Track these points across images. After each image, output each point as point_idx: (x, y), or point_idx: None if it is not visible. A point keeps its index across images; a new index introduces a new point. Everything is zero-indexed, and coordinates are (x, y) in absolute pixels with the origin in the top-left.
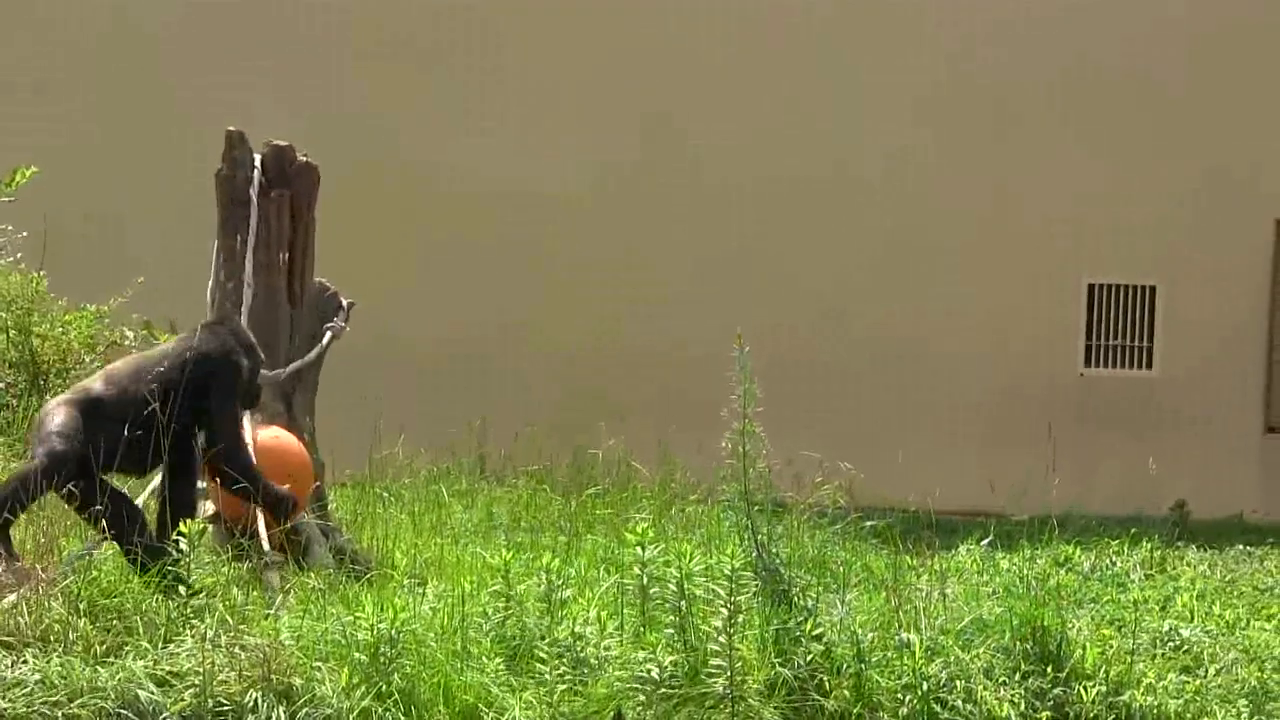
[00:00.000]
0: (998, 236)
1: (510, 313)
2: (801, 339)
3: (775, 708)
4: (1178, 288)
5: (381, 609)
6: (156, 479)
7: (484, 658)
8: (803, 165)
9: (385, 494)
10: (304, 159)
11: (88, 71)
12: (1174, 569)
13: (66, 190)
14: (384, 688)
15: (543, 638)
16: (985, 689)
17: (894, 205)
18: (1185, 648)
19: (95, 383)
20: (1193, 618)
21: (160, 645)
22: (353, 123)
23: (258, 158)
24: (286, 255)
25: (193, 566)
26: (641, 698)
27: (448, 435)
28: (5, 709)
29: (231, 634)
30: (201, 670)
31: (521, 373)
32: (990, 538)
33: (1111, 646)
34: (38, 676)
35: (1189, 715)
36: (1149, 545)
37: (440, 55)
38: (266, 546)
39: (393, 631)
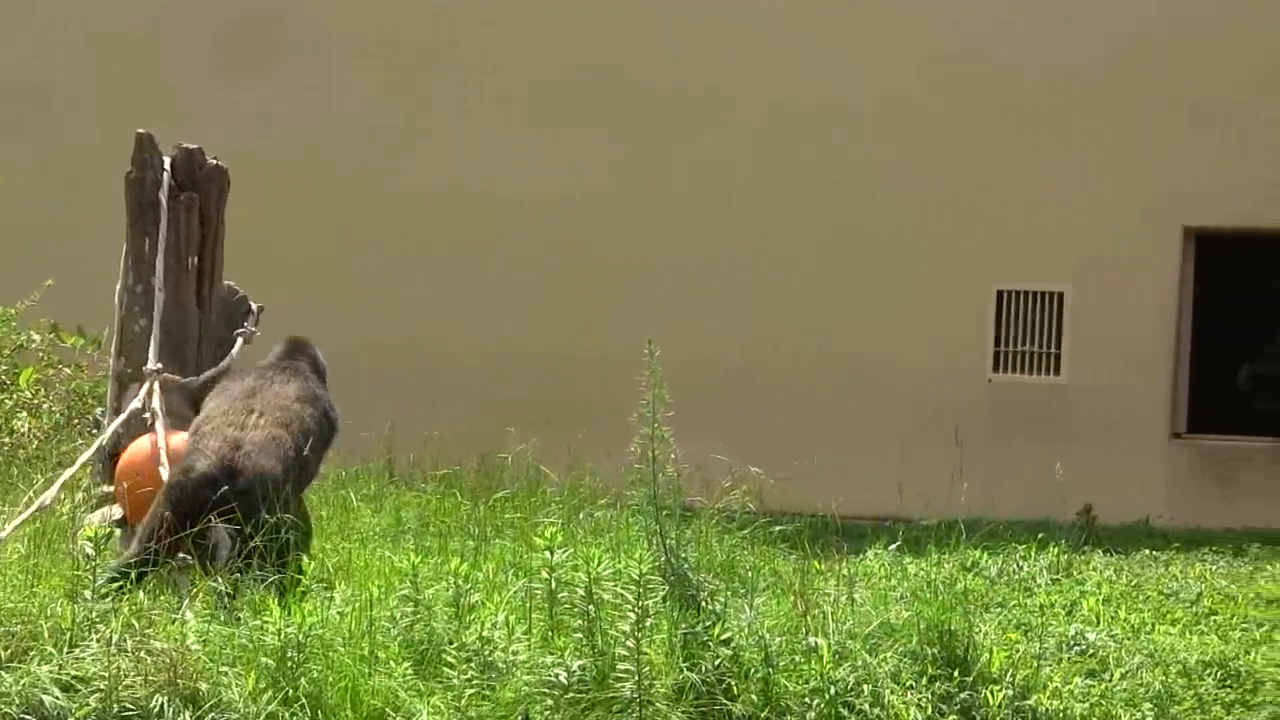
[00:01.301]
0: (907, 243)
1: (419, 319)
2: (711, 345)
3: (683, 712)
4: (1086, 294)
5: (289, 613)
6: None
7: (392, 662)
8: (713, 173)
9: None
10: (214, 162)
11: None
12: (1080, 573)
13: None
14: (291, 692)
15: (451, 642)
16: (892, 693)
17: (803, 213)
18: (1091, 652)
19: None
20: (1099, 622)
21: (65, 650)
22: (271, 123)
23: (167, 160)
24: (196, 259)
25: (99, 571)
26: (549, 702)
27: (356, 440)
28: None
29: (137, 638)
30: (107, 675)
31: (430, 378)
32: (898, 542)
33: (1018, 650)
34: None
35: (1095, 719)
36: (1056, 550)
37: (363, 60)
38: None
39: (300, 636)
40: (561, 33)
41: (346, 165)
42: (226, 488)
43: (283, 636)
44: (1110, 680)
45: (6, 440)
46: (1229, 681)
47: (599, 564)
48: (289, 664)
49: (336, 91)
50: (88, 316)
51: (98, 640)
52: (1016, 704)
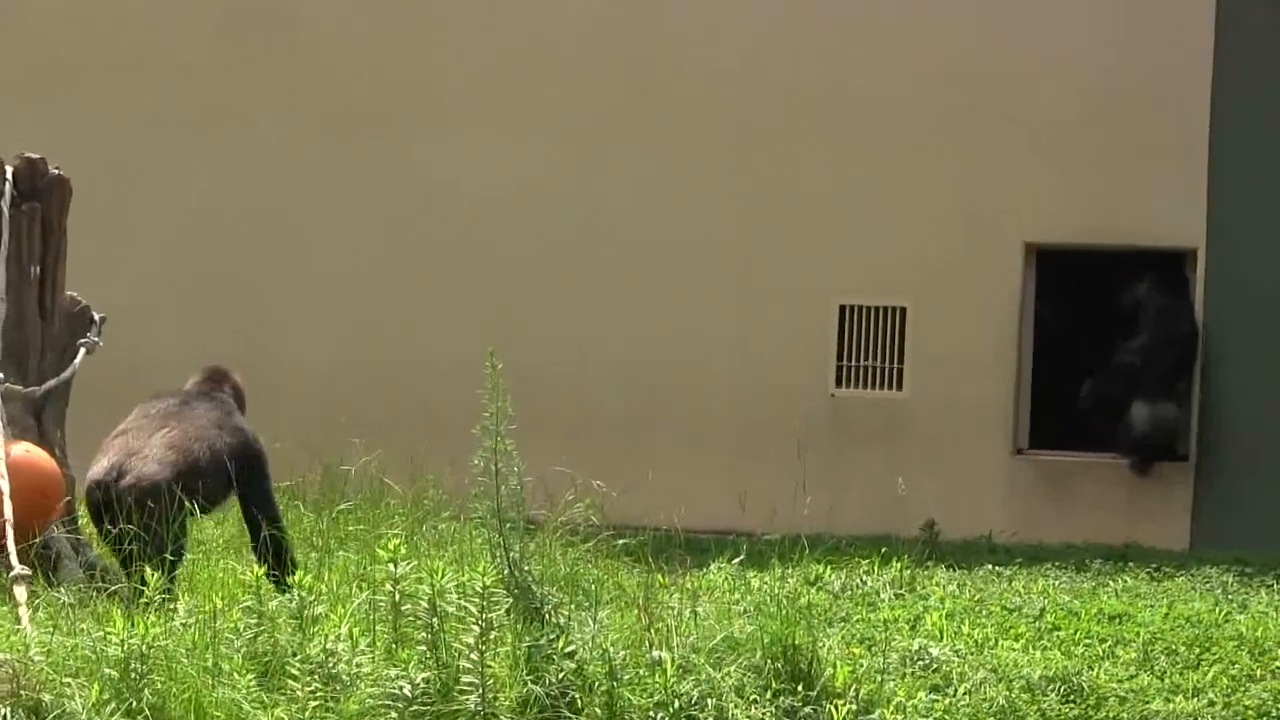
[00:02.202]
0: (749, 259)
1: (261, 328)
2: (555, 358)
3: None
4: (928, 310)
5: (132, 625)
6: None
7: (235, 674)
8: (551, 184)
9: None
10: (56, 171)
11: None
12: (924, 588)
13: None
14: (134, 704)
15: (294, 654)
16: (736, 707)
17: (646, 226)
18: (935, 666)
19: None
20: (942, 636)
21: None
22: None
23: (9, 170)
24: (38, 268)
25: None
26: (393, 715)
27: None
28: None
29: None
30: None
31: (273, 389)
32: (742, 556)
33: (862, 665)
34: None
35: None
36: (899, 564)
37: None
38: (15, 561)
39: (143, 647)
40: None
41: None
42: (113, 490)
43: (126, 648)
44: (954, 695)
45: None
46: (1072, 697)
47: (443, 577)
48: (132, 676)
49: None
50: None
51: None
52: (861, 718)
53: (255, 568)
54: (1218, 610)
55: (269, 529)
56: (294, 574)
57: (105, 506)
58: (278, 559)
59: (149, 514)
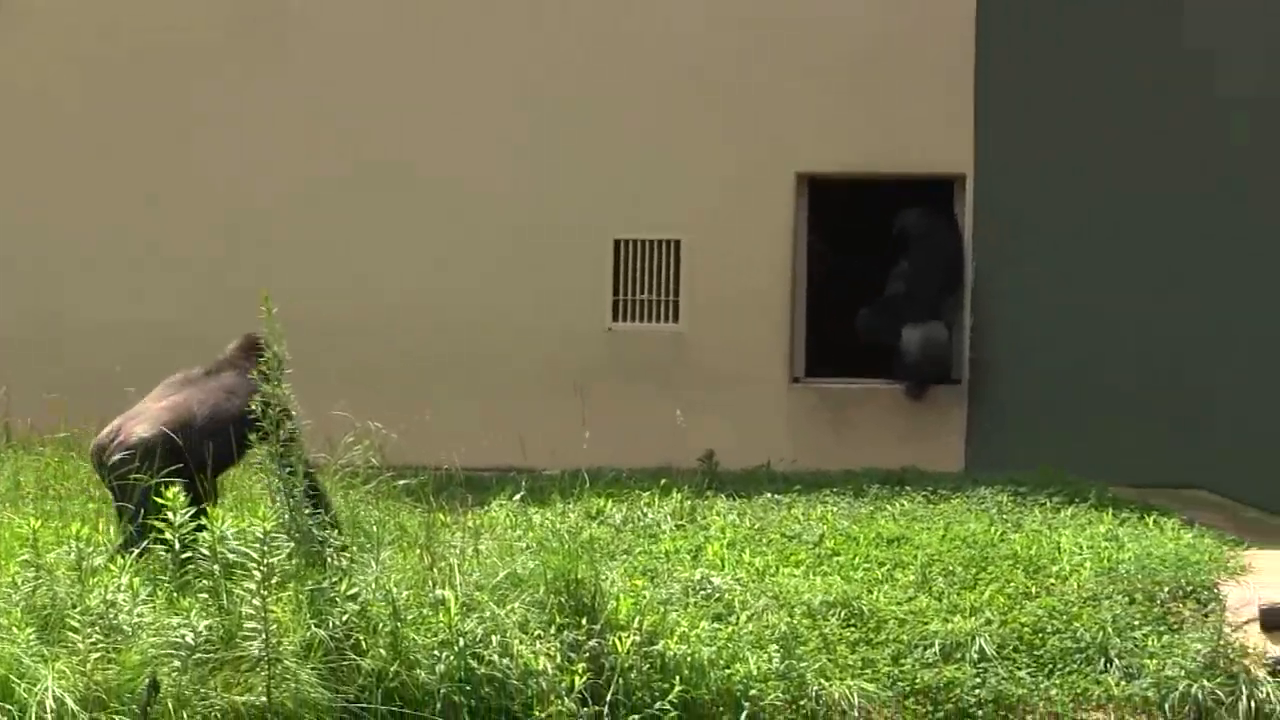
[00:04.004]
0: (524, 197)
1: (35, 287)
2: (331, 301)
3: (312, 668)
4: (702, 243)
5: None
6: None
7: (14, 628)
8: (325, 125)
9: None
10: None
11: None
12: (704, 519)
13: None
14: None
15: (74, 606)
16: (521, 643)
17: (421, 166)
18: (717, 596)
19: None
20: (724, 566)
21: None
22: None
23: None
24: None
25: None
26: (176, 663)
27: None
28: None
29: None
30: None
31: (48, 344)
32: (523, 493)
33: (645, 597)
34: None
35: (722, 662)
36: (679, 496)
37: None
38: None
39: None
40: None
41: None
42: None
43: None
44: (737, 623)
45: None
46: (853, 621)
47: (223, 524)
48: None
49: None
50: None
51: None
52: (645, 649)
53: (32, 520)
54: (993, 530)
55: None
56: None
57: (99, 466)
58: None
59: (129, 472)
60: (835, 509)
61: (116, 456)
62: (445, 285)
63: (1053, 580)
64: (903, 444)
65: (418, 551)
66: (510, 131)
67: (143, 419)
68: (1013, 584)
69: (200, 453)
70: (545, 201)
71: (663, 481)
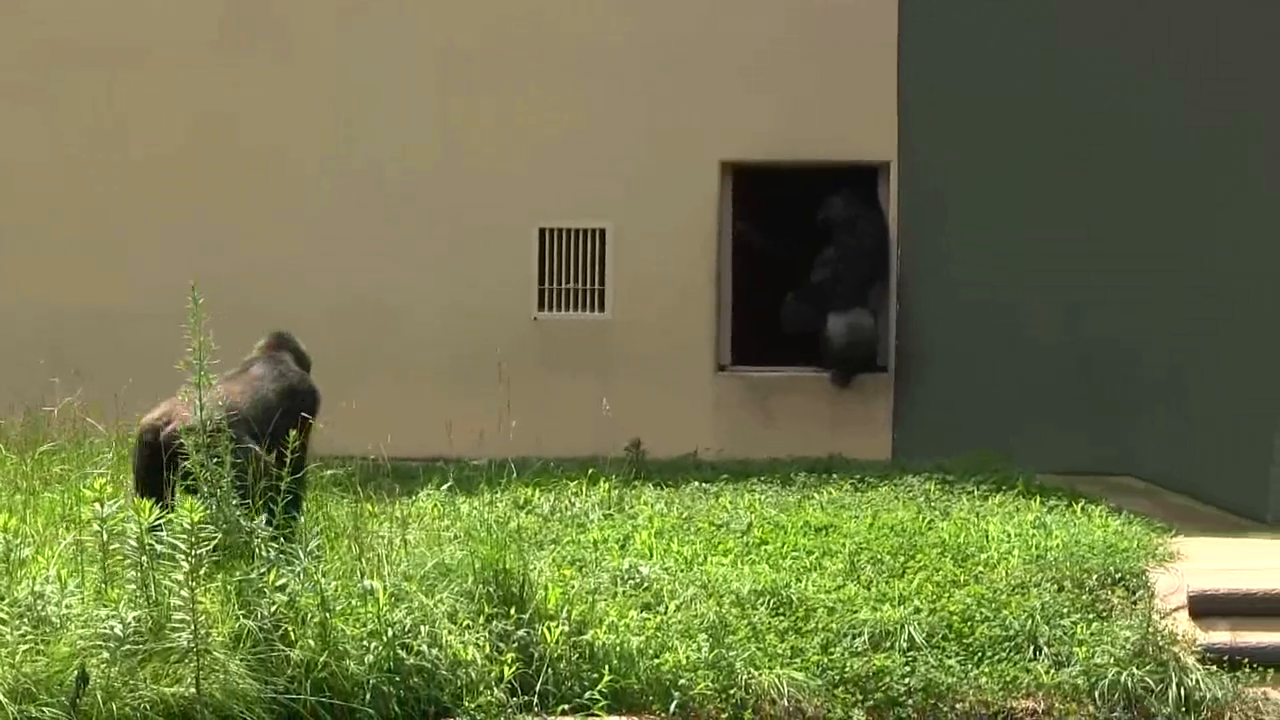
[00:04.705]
0: (450, 185)
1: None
2: (256, 291)
3: (241, 659)
4: (628, 231)
5: None
6: None
7: None
8: (247, 112)
9: None
10: None
11: None
12: (632, 508)
13: None
14: None
15: (2, 598)
16: (450, 633)
17: (346, 154)
18: (646, 585)
19: None
20: (652, 555)
21: None
22: None
23: None
24: None
25: None
26: (105, 655)
27: None
28: None
29: None
30: None
31: None
32: (450, 482)
33: (573, 586)
34: None
35: (651, 651)
36: (607, 485)
37: None
38: None
39: None
40: None
41: None
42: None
43: None
44: (665, 613)
45: None
46: (782, 609)
47: (150, 515)
48: None
49: None
50: None
51: None
52: (574, 639)
53: None
54: (920, 518)
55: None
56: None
57: (152, 448)
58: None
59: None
60: (763, 497)
61: (175, 440)
62: (371, 275)
63: (981, 568)
64: (830, 432)
65: (345, 541)
66: (434, 120)
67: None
68: (941, 572)
69: (253, 432)
70: (470, 190)
71: (590, 471)
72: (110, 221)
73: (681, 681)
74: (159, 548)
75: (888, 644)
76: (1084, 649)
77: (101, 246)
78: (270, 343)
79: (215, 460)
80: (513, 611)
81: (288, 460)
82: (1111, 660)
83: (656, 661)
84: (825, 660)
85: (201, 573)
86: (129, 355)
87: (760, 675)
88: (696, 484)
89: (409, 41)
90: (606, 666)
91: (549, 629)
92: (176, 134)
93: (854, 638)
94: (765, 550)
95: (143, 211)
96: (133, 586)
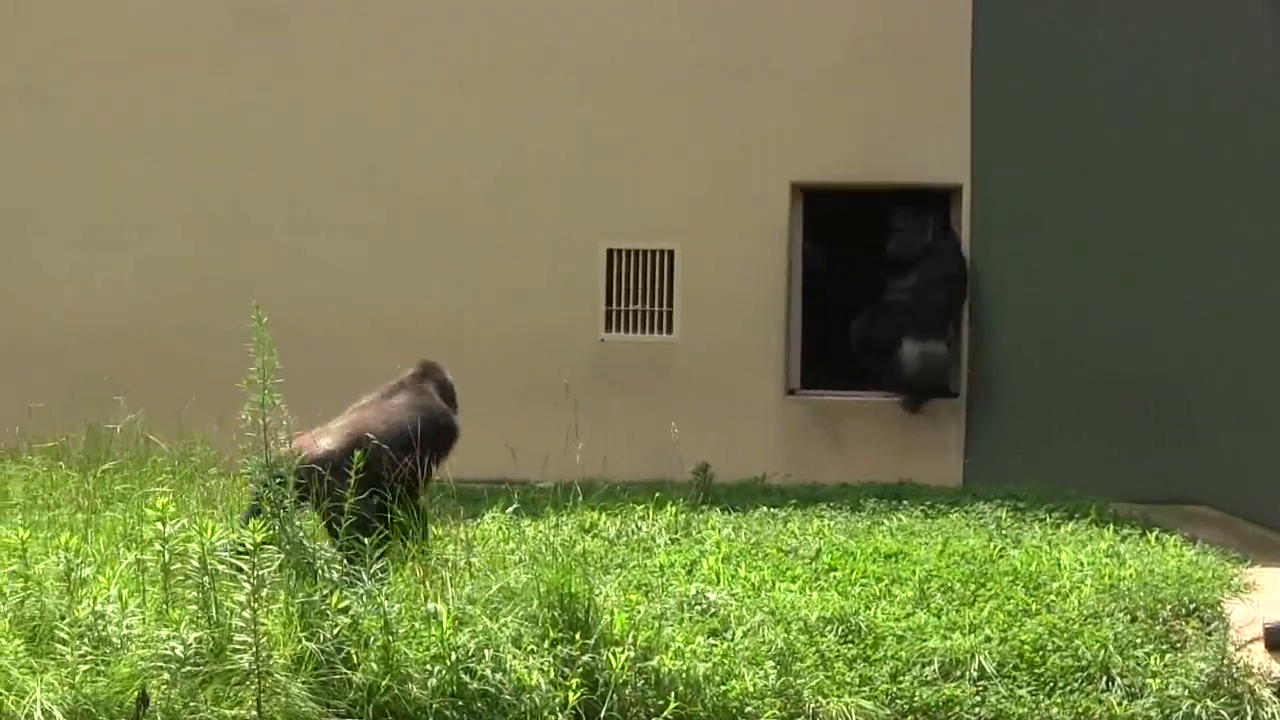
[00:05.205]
0: (516, 206)
1: (9, 291)
2: (317, 311)
3: (303, 682)
4: (696, 252)
5: None
6: None
7: (2, 640)
8: (311, 134)
9: None
10: None
11: None
12: (699, 532)
13: None
14: None
15: (63, 618)
16: (514, 658)
17: (408, 176)
18: (713, 611)
19: None
20: (719, 581)
21: None
22: None
23: None
24: None
25: None
26: (166, 676)
27: None
28: None
29: None
30: None
31: (27, 352)
32: (515, 505)
33: (639, 611)
34: None
35: (717, 678)
36: (674, 509)
37: None
38: None
39: None
40: None
41: None
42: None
43: None
44: (732, 639)
45: None
46: (850, 637)
47: (213, 534)
48: None
49: None
50: None
51: None
52: (640, 665)
53: (20, 530)
54: (992, 546)
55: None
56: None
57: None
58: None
59: (320, 483)
60: (832, 523)
61: (304, 470)
62: (436, 297)
63: (1053, 597)
64: (900, 458)
65: (410, 564)
66: (502, 139)
67: (325, 434)
68: (1012, 601)
69: (383, 466)
70: (538, 211)
71: (657, 495)
72: (171, 241)
73: (748, 709)
74: (221, 568)
75: (958, 673)
76: (1157, 680)
77: (159, 261)
78: (416, 372)
79: (280, 481)
80: (578, 636)
81: (421, 490)
82: (1185, 692)
83: (723, 688)
84: (894, 689)
85: (264, 594)
86: (192, 374)
87: (828, 703)
88: (764, 509)
89: (473, 58)
90: (672, 693)
91: (614, 655)
92: (226, 149)
93: (924, 666)
94: (834, 577)
95: (198, 229)
96: (194, 607)
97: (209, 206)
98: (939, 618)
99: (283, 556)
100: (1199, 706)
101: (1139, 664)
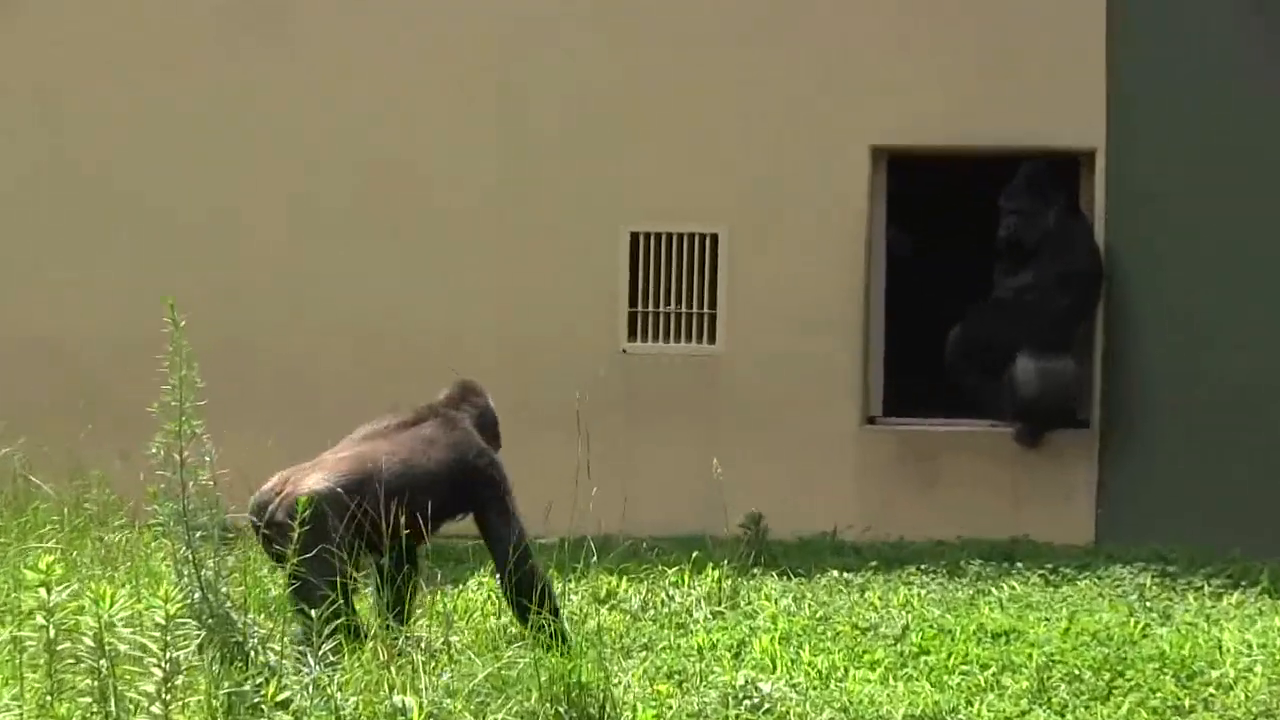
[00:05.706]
0: (507, 177)
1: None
2: (264, 320)
3: None
4: (748, 237)
5: None
6: None
7: None
8: (259, 112)
9: None
10: None
11: None
12: (750, 604)
13: None
14: None
15: None
16: None
17: (366, 144)
18: (767, 707)
19: None
20: (775, 667)
21: None
22: None
23: None
24: None
25: None
26: None
27: None
28: None
29: None
30: None
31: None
32: None
33: (671, 707)
34: None
35: None
36: (717, 573)
37: None
38: None
39: None
40: None
41: None
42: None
43: None
44: None
45: None
46: None
47: (113, 604)
48: None
49: None
50: None
51: None
52: None
53: None
54: (1132, 623)
55: (513, 555)
56: (550, 607)
57: (255, 529)
58: (523, 590)
59: (303, 526)
60: (923, 592)
61: (280, 516)
62: (412, 301)
63: (1212, 690)
64: (1013, 506)
65: (371, 644)
66: (494, 90)
67: (315, 470)
68: (1160, 694)
69: (383, 513)
70: (543, 186)
71: (694, 553)
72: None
73: None
74: (123, 648)
75: None
76: None
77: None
78: (450, 394)
79: (202, 535)
80: None
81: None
82: None
83: None
84: None
85: (179, 682)
86: (89, 397)
87: None
88: (835, 573)
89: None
90: None
91: None
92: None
93: None
94: (926, 662)
95: (127, 224)
96: (88, 699)
97: (140, 201)
98: (1063, 716)
99: (204, 634)
100: None
101: None
